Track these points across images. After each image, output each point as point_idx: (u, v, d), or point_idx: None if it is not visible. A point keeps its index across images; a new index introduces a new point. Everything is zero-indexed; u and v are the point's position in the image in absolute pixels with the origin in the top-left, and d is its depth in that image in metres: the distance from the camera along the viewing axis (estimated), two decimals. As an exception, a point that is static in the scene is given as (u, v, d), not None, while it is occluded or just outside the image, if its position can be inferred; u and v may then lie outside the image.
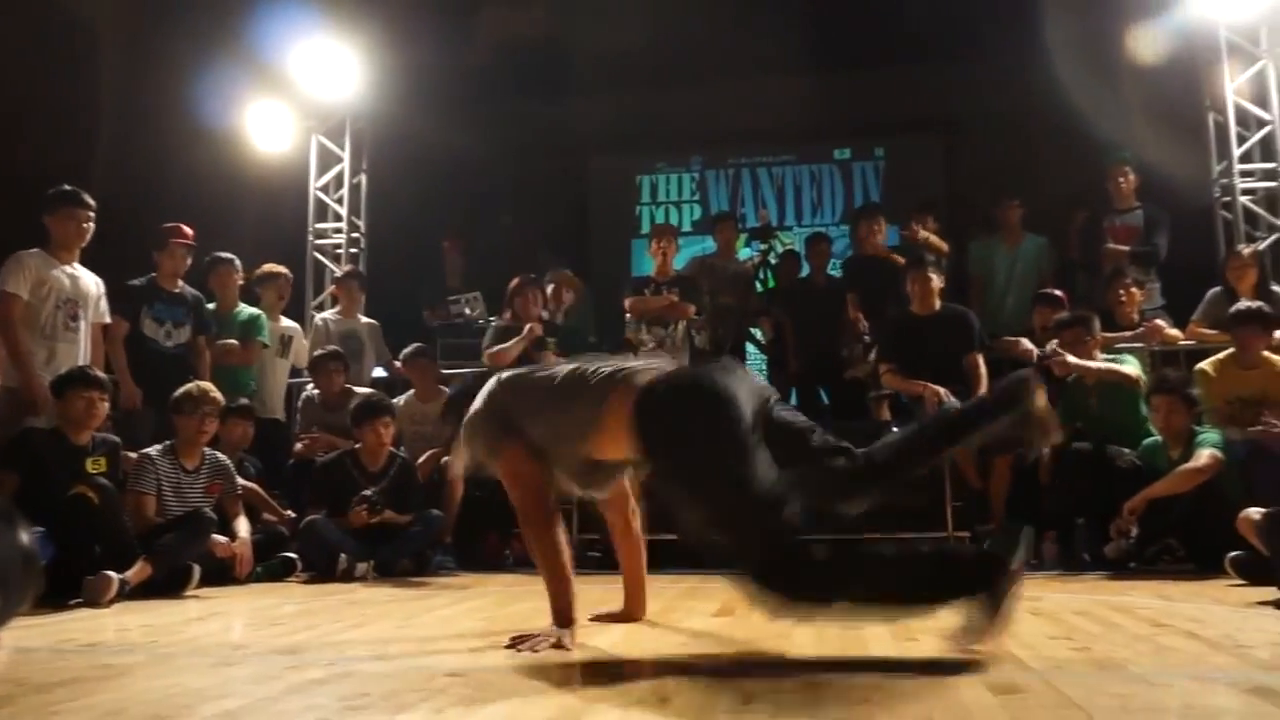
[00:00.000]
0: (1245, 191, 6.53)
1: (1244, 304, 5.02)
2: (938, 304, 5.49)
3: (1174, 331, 5.61)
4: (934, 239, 6.24)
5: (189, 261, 5.43)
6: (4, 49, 6.56)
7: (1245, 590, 3.58)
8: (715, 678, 2.00)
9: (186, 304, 5.40)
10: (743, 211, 8.89)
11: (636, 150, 9.21)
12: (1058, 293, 5.81)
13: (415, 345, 6.00)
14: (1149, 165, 6.28)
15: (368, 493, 4.80)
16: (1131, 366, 4.91)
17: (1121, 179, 6.15)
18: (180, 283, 5.41)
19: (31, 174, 5.88)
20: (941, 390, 5.12)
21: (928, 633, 2.60)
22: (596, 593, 3.79)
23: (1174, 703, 1.73)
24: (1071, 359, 4.89)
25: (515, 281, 6.02)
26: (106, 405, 4.13)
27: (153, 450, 4.37)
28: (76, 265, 4.80)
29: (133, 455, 4.42)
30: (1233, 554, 3.83)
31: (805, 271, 7.00)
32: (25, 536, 0.58)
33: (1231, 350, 4.88)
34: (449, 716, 1.66)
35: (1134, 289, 5.63)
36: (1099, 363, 4.92)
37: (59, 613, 3.30)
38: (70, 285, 4.71)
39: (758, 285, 7.15)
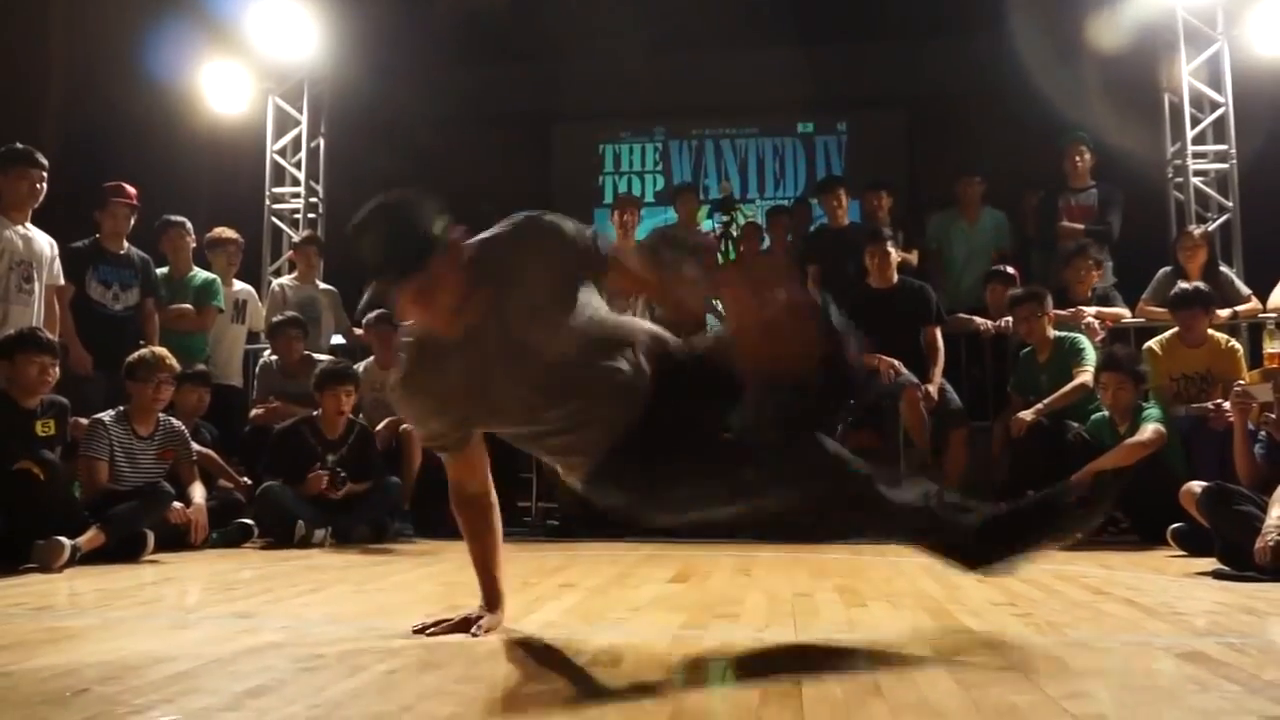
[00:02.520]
0: (1198, 173, 6.64)
1: (1182, 286, 5.14)
2: (895, 277, 5.54)
3: (1117, 310, 5.71)
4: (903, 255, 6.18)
5: (132, 222, 5.31)
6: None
7: (1185, 561, 3.69)
8: (666, 640, 2.04)
9: (134, 266, 5.31)
10: (705, 183, 8.89)
11: (600, 119, 9.16)
12: (1010, 269, 5.89)
13: (378, 311, 5.96)
14: (1104, 145, 6.37)
15: (332, 466, 4.79)
16: (1086, 366, 4.95)
17: (1077, 158, 6.23)
18: (126, 244, 5.31)
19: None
20: (895, 363, 5.19)
21: (876, 598, 2.67)
22: (554, 559, 3.83)
23: (1110, 666, 1.80)
24: (1028, 414, 4.83)
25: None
26: (57, 370, 4.06)
27: (105, 416, 4.31)
28: (29, 226, 4.69)
29: (84, 421, 4.36)
30: (1174, 526, 3.94)
31: (766, 244, 7.03)
32: None
33: (1176, 330, 5.00)
34: (402, 677, 1.68)
35: (1095, 269, 5.72)
36: (1049, 400, 4.89)
37: (8, 577, 3.27)
38: (24, 247, 4.62)
39: (719, 257, 7.17)
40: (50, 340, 4.08)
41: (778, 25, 7.69)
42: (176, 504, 4.26)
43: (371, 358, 5.81)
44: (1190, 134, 6.62)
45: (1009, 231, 6.53)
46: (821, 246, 6.37)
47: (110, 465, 4.22)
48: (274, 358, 5.75)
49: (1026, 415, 4.84)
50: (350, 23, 7.23)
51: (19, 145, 4.67)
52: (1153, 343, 5.06)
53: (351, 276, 6.88)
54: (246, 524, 4.74)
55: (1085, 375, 4.90)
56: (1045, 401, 4.88)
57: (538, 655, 1.89)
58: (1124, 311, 5.72)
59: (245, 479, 5.07)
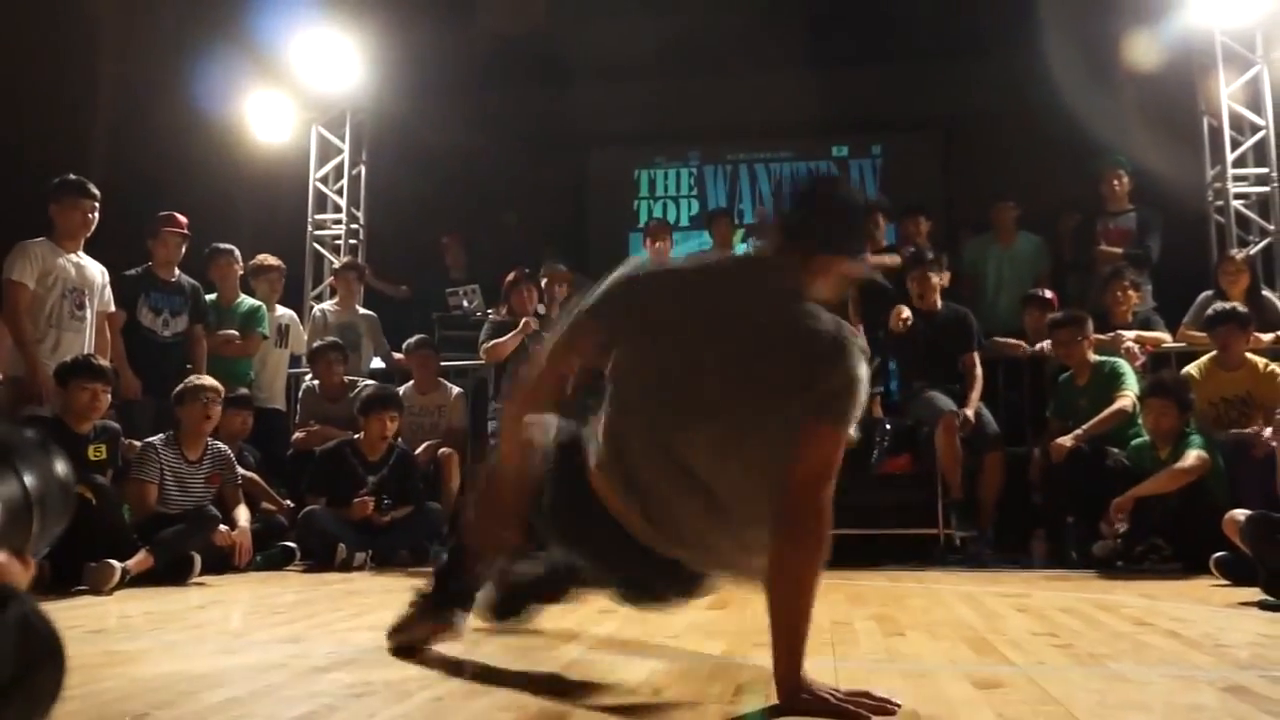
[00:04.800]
0: (1238, 196, 6.58)
1: (1219, 305, 5.10)
2: (939, 303, 5.53)
3: (1157, 335, 5.67)
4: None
5: (184, 250, 5.45)
6: (5, 37, 6.58)
7: (1229, 590, 3.65)
8: (707, 668, 2.06)
9: (184, 293, 5.44)
10: (740, 208, 8.93)
11: (635, 144, 9.24)
12: (1048, 294, 5.86)
13: (419, 336, 6.05)
14: (1143, 168, 6.33)
15: (376, 491, 4.88)
16: (1126, 390, 4.92)
17: (1116, 182, 6.21)
18: (177, 271, 5.45)
19: (34, 163, 5.92)
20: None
21: (915, 628, 2.67)
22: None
23: (1152, 699, 1.79)
24: (1066, 441, 4.80)
25: (510, 276, 6.07)
26: (109, 396, 4.17)
27: (155, 440, 4.41)
28: (81, 254, 4.83)
29: (136, 444, 4.47)
30: (1217, 554, 3.89)
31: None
32: (61, 465, 0.62)
33: (1214, 353, 4.95)
34: (449, 704, 1.71)
35: (1131, 290, 5.68)
36: (1095, 421, 4.84)
37: (62, 599, 3.35)
38: (76, 274, 4.75)
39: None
40: (103, 367, 4.20)
41: (811, 48, 7.74)
42: (222, 527, 4.34)
43: (411, 383, 5.90)
44: (1230, 157, 6.57)
45: (1046, 255, 6.50)
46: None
47: (159, 488, 4.32)
48: (315, 382, 5.85)
49: (1066, 441, 4.80)
50: (390, 53, 7.37)
51: (71, 176, 4.81)
52: (1191, 367, 5.03)
53: (389, 302, 7.04)
54: (289, 547, 4.82)
55: (1125, 400, 4.86)
56: (1084, 427, 4.84)
57: (581, 684, 1.92)
58: (1165, 336, 5.67)
59: (288, 502, 5.15)
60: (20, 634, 0.54)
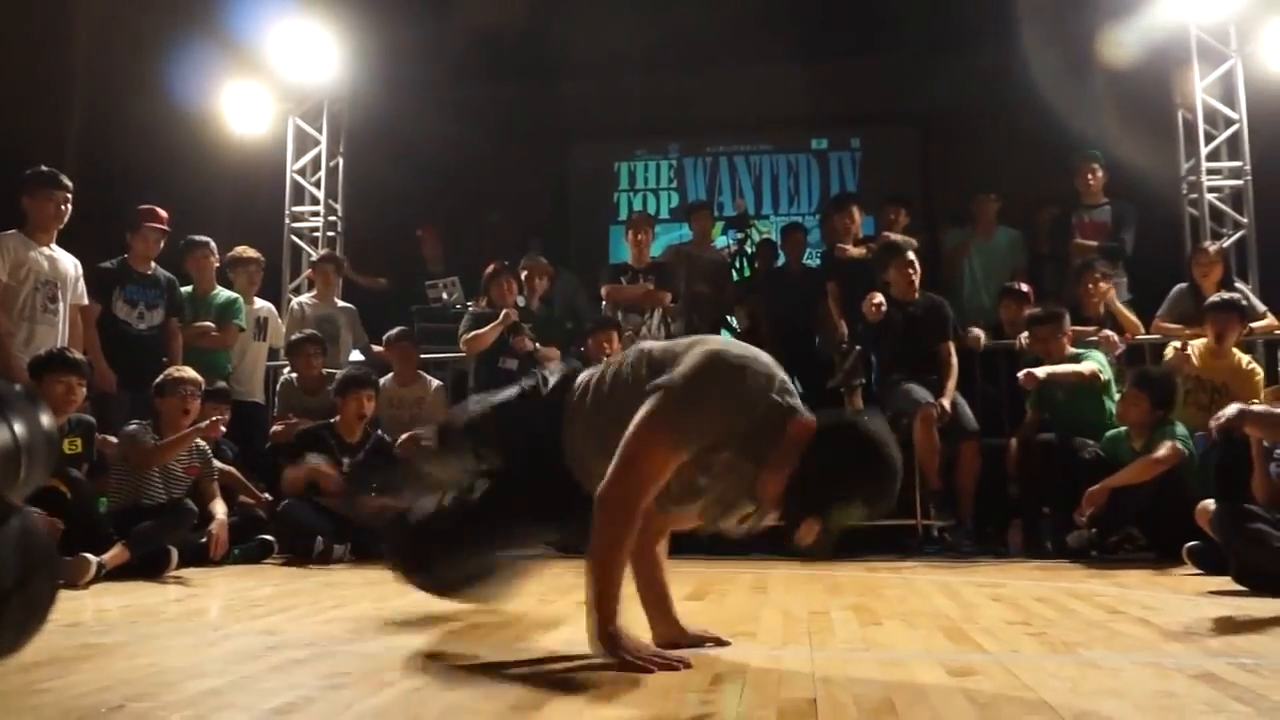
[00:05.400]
0: (1212, 189, 6.65)
1: (1224, 293, 5.19)
2: (917, 292, 5.56)
3: (1134, 320, 5.73)
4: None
5: (162, 245, 5.42)
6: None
7: (1201, 580, 3.70)
8: (686, 658, 2.07)
9: (159, 286, 5.40)
10: (720, 200, 8.95)
11: (616, 137, 9.24)
12: (1024, 287, 5.91)
13: (399, 329, 6.03)
14: (1118, 162, 6.39)
15: (354, 475, 4.89)
16: (1092, 362, 5.00)
17: (1090, 176, 6.26)
18: (153, 264, 5.41)
19: (6, 155, 5.85)
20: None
21: (892, 618, 2.70)
22: (569, 577, 3.86)
23: (1124, 686, 1.81)
24: (1039, 372, 4.94)
25: (490, 268, 6.06)
26: (84, 389, 4.13)
27: (135, 426, 4.38)
28: (54, 247, 4.79)
29: (111, 439, 4.43)
30: (1190, 544, 3.94)
31: (781, 261, 7.07)
32: (46, 418, 0.64)
33: (1207, 340, 5.02)
34: (427, 694, 1.72)
35: (1101, 283, 5.73)
36: (1060, 368, 4.99)
37: (37, 593, 3.32)
38: (49, 267, 4.71)
39: (734, 274, 7.21)
40: (77, 360, 4.16)
41: (791, 42, 7.76)
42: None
43: (391, 374, 5.88)
44: (1205, 150, 6.64)
45: (1023, 248, 6.55)
46: (838, 263, 6.40)
47: (138, 478, 4.29)
48: (293, 375, 5.82)
49: (1038, 372, 4.91)
50: (368, 44, 7.33)
51: (44, 168, 4.77)
52: (1194, 344, 5.07)
53: (366, 295, 7.01)
54: (267, 540, 4.80)
55: (1087, 365, 4.97)
56: (1049, 368, 4.95)
57: (560, 674, 1.92)
58: (1135, 322, 5.73)
59: (266, 495, 5.13)
60: (20, 543, 0.57)
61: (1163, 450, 4.44)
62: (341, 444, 5.02)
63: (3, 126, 6.58)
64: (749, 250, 7.31)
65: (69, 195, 4.75)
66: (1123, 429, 4.72)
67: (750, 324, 7.07)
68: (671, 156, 9.27)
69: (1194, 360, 4.97)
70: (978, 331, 5.85)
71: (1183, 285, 5.71)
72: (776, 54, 7.84)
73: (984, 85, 7.49)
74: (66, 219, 4.78)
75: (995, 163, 7.25)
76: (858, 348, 5.82)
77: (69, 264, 4.84)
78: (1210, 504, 3.65)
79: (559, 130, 8.91)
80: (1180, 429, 4.57)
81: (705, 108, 8.66)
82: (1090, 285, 5.64)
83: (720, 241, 7.60)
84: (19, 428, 0.66)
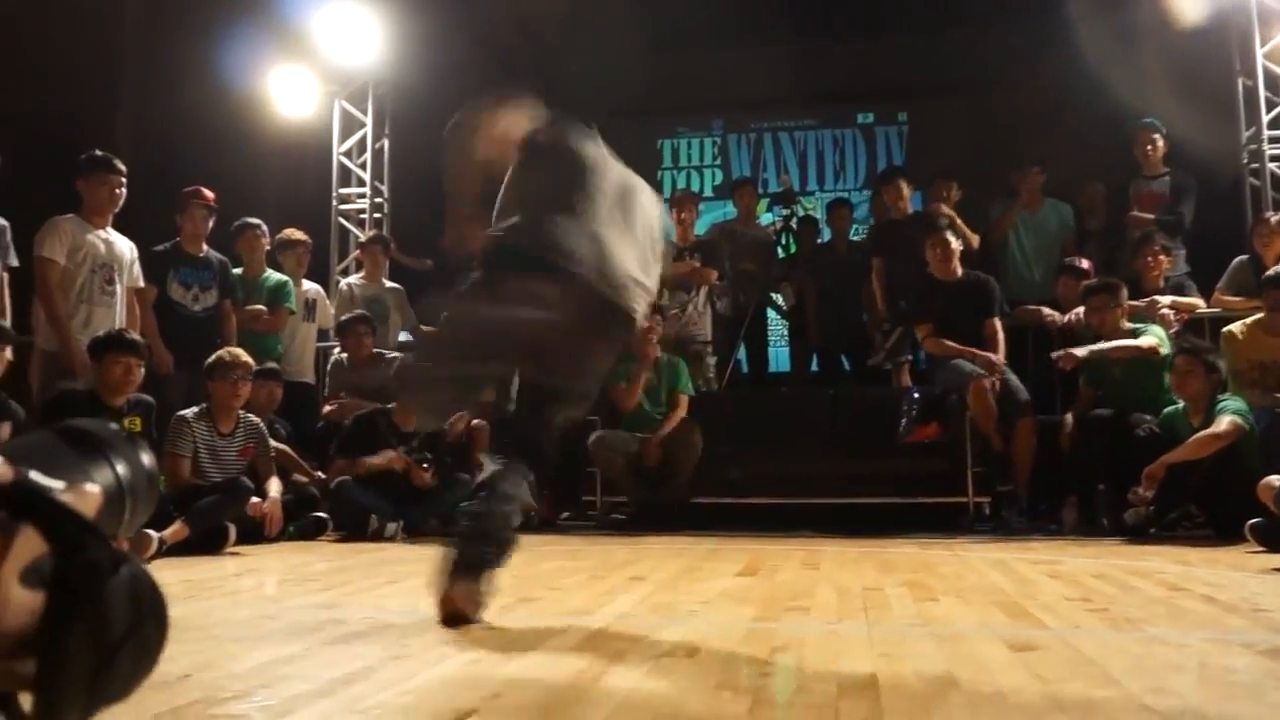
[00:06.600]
0: (1274, 158, 6.47)
1: (1278, 269, 5.02)
2: (959, 270, 5.48)
3: (1191, 300, 5.59)
4: (961, 229, 6.11)
5: (210, 224, 5.48)
6: (28, 12, 6.61)
7: (1264, 557, 3.62)
8: (740, 633, 2.07)
9: (212, 268, 5.48)
10: (765, 176, 8.87)
11: (658, 114, 9.19)
12: (1084, 263, 5.78)
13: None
14: (1177, 131, 6.22)
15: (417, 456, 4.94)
16: (1151, 337, 4.89)
17: (1149, 145, 6.10)
18: (205, 246, 5.48)
19: (61, 140, 5.96)
20: (995, 356, 5.17)
21: (947, 594, 2.67)
22: (621, 553, 3.88)
23: (1189, 661, 1.78)
24: (1079, 351, 4.85)
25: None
26: (142, 370, 4.21)
27: (188, 413, 4.46)
28: (110, 230, 4.88)
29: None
30: (1252, 520, 3.85)
31: (826, 237, 7.00)
32: (147, 457, 0.66)
33: (1260, 315, 4.88)
34: (485, 667, 1.73)
35: (1161, 255, 5.60)
36: (1108, 344, 4.89)
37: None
38: (105, 250, 4.79)
39: (779, 251, 7.16)
40: (135, 341, 4.24)
41: (834, 15, 7.65)
42: (254, 498, 4.40)
43: (438, 354, 5.91)
44: (1266, 118, 6.45)
45: (1072, 223, 6.42)
46: (885, 239, 6.33)
47: (193, 461, 4.37)
48: (343, 355, 5.88)
49: (1078, 351, 4.83)
50: (412, 25, 7.35)
51: (98, 152, 4.85)
52: (1234, 326, 4.94)
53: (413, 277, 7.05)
54: (321, 518, 4.87)
55: (1146, 340, 4.85)
56: (1095, 346, 4.84)
57: (615, 647, 1.93)
58: (1198, 301, 5.60)
59: (319, 473, 5.20)
60: (131, 591, 0.59)
61: (1222, 425, 4.34)
62: (397, 432, 5.06)
63: (57, 112, 6.70)
64: (794, 227, 7.25)
65: (123, 179, 4.83)
66: (1180, 405, 4.62)
67: (796, 301, 7.03)
68: (715, 133, 9.20)
69: (1239, 337, 4.83)
70: (1050, 313, 5.73)
71: (1243, 257, 5.57)
72: (821, 28, 7.74)
73: (1033, 55, 7.32)
74: (121, 203, 4.86)
75: (1045, 134, 7.10)
76: (900, 329, 5.77)
77: (125, 247, 4.92)
78: (1275, 480, 3.58)
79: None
80: (1239, 403, 4.47)
81: (749, 84, 8.56)
82: (1150, 258, 5.51)
83: (765, 218, 7.55)
84: (121, 469, 0.68)
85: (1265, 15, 6.44)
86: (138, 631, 0.60)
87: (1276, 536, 3.66)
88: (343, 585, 2.97)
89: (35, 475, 0.60)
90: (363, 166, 7.75)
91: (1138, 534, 4.49)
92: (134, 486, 0.69)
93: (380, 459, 4.89)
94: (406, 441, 5.04)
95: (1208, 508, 4.52)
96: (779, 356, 7.79)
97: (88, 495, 0.63)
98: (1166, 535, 4.52)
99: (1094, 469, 4.88)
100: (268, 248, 6.00)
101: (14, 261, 4.59)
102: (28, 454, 0.63)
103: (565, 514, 5.93)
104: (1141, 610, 2.37)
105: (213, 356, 4.61)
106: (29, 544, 0.57)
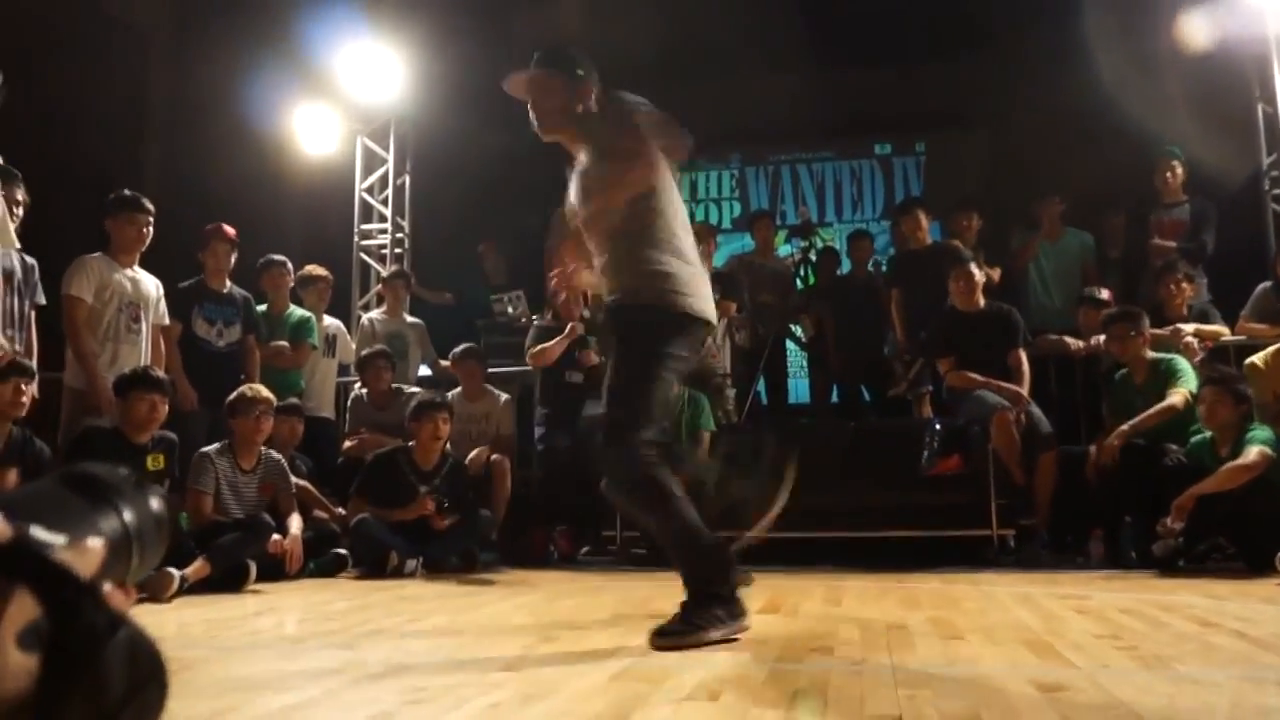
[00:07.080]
0: (1296, 184, 6.43)
1: None
2: (981, 301, 5.46)
3: (1216, 328, 5.53)
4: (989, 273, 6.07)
5: (233, 259, 5.53)
6: (57, 53, 6.74)
7: (1296, 589, 3.55)
8: (763, 673, 2.04)
9: (236, 304, 5.53)
10: (783, 209, 8.89)
11: (676, 148, 9.23)
12: (1104, 294, 5.75)
13: (466, 345, 6.09)
14: (1196, 159, 6.20)
15: (435, 495, 4.92)
16: (1181, 389, 4.79)
17: (1169, 173, 6.08)
18: (229, 282, 5.54)
19: (89, 179, 6.06)
20: (1020, 389, 5.13)
21: (973, 631, 2.63)
22: (642, 590, 3.85)
23: (1222, 702, 1.74)
24: (1116, 439, 4.73)
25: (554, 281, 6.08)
26: (166, 407, 4.25)
27: (211, 449, 4.49)
28: (137, 268, 4.93)
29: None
30: (1284, 552, 3.79)
31: (846, 268, 7.00)
32: (156, 503, 0.66)
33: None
34: (505, 711, 1.71)
35: (1184, 283, 5.56)
36: (1143, 415, 4.77)
37: (123, 607, 3.40)
38: (132, 288, 4.85)
39: (798, 283, 7.16)
40: (160, 378, 4.28)
41: (851, 46, 7.69)
42: (275, 535, 4.40)
43: (458, 389, 5.94)
44: (1287, 145, 6.42)
45: (1093, 252, 6.39)
46: (903, 269, 6.32)
47: (215, 497, 4.39)
48: (364, 390, 5.91)
49: (1115, 440, 4.71)
50: (433, 64, 7.45)
51: (127, 192, 4.92)
52: (1256, 358, 4.88)
53: (434, 311, 7.10)
54: (341, 554, 4.88)
55: (1177, 397, 4.75)
56: (1131, 423, 4.75)
57: (636, 690, 1.91)
58: (1223, 329, 5.54)
59: (339, 509, 5.21)
60: (130, 654, 0.58)
61: (1251, 455, 4.27)
62: (417, 470, 5.06)
63: (84, 151, 6.81)
64: (813, 259, 7.25)
65: (151, 218, 4.89)
66: (1207, 435, 4.56)
67: (815, 332, 7.02)
68: (733, 166, 9.25)
69: (1261, 369, 4.77)
70: (1071, 341, 5.69)
71: (1267, 284, 5.52)
72: (838, 60, 7.78)
73: (1051, 84, 7.32)
74: (149, 241, 4.92)
75: (1064, 164, 7.08)
76: (921, 361, 5.74)
77: (151, 285, 4.98)
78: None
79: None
80: (1267, 432, 4.40)
81: (767, 116, 8.61)
82: (1173, 287, 5.47)
83: (783, 250, 7.55)
84: (129, 516, 0.68)
85: (1284, 41, 6.42)
86: (137, 696, 0.59)
87: (1309, 569, 3.60)
88: (362, 625, 2.97)
89: (36, 530, 0.59)
90: (384, 202, 7.84)
91: (1166, 566, 4.41)
92: (141, 533, 0.68)
93: (409, 513, 4.88)
94: (428, 480, 5.04)
95: (1237, 539, 4.45)
96: (799, 388, 7.77)
97: (88, 552, 0.62)
98: (1196, 567, 4.44)
99: (1120, 500, 4.81)
100: (292, 284, 6.05)
101: (42, 300, 4.65)
102: (32, 505, 0.62)
103: (585, 549, 5.91)
104: (1172, 647, 2.32)
105: (234, 393, 4.64)
106: (26, 606, 0.56)
